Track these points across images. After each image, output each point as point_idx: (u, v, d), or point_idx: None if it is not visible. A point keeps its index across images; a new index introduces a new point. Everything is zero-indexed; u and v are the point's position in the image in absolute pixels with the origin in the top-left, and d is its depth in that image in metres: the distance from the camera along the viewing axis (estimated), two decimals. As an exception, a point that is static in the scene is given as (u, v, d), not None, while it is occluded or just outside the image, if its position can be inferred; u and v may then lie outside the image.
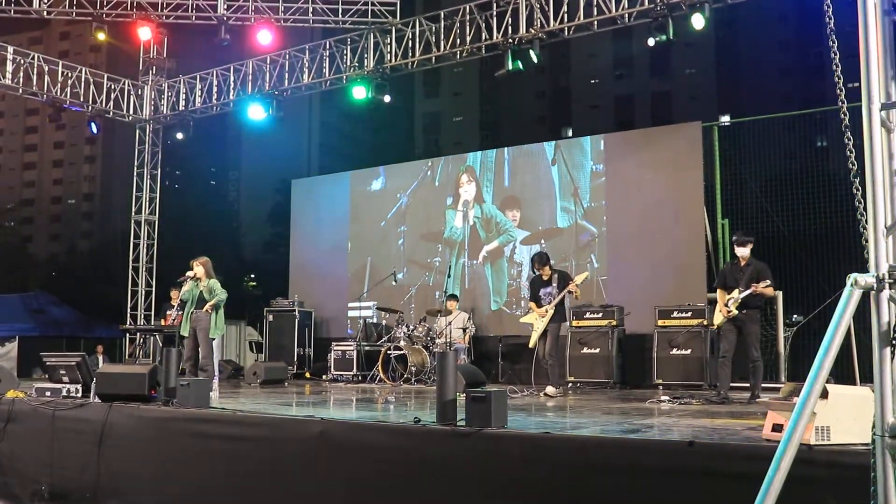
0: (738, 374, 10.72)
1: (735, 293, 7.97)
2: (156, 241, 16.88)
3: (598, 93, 50.91)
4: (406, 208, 14.22)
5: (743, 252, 8.14)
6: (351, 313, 14.18)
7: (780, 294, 10.04)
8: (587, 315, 11.10)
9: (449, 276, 12.39)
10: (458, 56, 12.97)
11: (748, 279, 7.92)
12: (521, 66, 11.86)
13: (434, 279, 13.29)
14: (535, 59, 11.78)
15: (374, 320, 13.54)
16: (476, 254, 13.21)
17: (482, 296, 12.91)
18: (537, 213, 12.81)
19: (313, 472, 5.50)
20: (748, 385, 8.47)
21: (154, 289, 16.69)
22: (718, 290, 8.21)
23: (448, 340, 11.31)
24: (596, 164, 12.43)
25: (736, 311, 7.95)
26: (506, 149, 13.80)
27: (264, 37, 14.08)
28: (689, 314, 10.51)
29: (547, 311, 9.14)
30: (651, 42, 10.85)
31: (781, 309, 10.30)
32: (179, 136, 16.54)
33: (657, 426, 5.79)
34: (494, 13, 12.24)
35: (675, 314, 10.60)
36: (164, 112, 16.66)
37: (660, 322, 10.65)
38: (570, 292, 9.16)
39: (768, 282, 7.84)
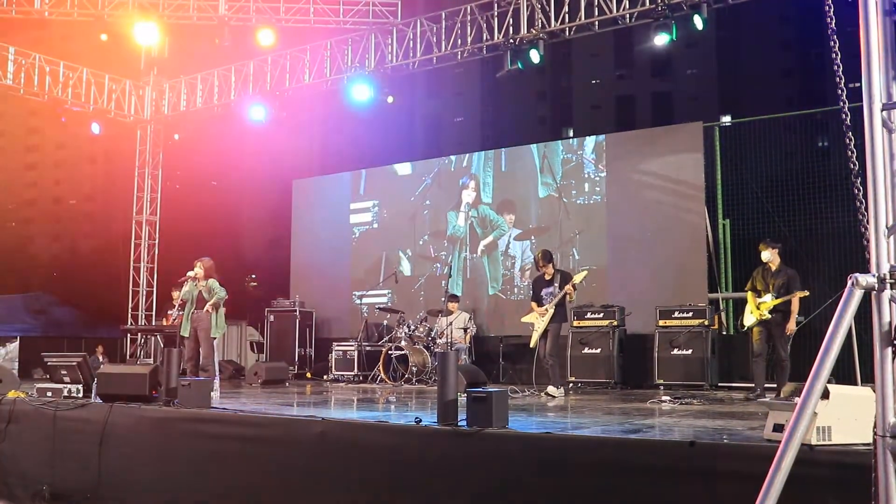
0: (739, 374, 10.76)
1: (767, 297, 8.31)
2: (157, 242, 16.89)
3: (599, 93, 50.86)
4: (415, 209, 14.45)
5: (765, 256, 8.48)
6: (367, 300, 14.25)
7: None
8: (588, 315, 11.11)
9: (450, 276, 12.44)
10: (459, 56, 12.97)
11: (779, 287, 8.27)
12: (521, 66, 11.86)
13: (440, 270, 13.73)
14: (536, 60, 11.77)
15: (390, 304, 13.92)
16: (475, 248, 13.68)
17: (481, 283, 13.47)
18: (528, 215, 13.30)
19: (314, 472, 5.51)
20: (750, 385, 8.64)
21: (155, 289, 16.70)
22: (749, 293, 8.54)
23: (449, 340, 11.31)
24: (567, 153, 13.08)
25: (768, 315, 8.29)
26: (503, 151, 14.08)
27: (265, 37, 14.07)
28: (690, 314, 10.51)
29: (547, 311, 9.14)
30: (659, 41, 10.82)
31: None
32: (176, 136, 16.55)
33: (658, 426, 5.79)
34: (495, 13, 12.24)
35: (676, 314, 10.60)
36: (166, 112, 16.67)
37: (661, 322, 10.65)
38: (566, 293, 9.15)
39: (799, 294, 8.23)
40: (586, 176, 12.83)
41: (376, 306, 13.88)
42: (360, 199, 15.14)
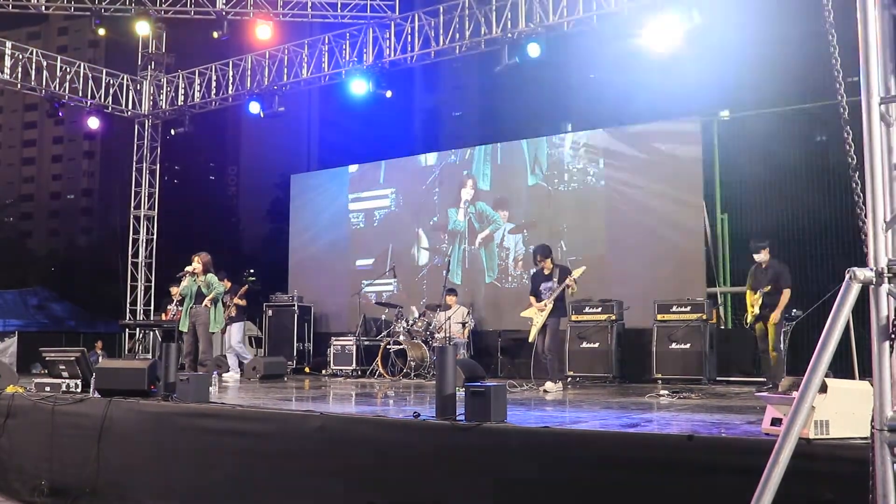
0: (737, 368, 10.77)
1: (758, 294, 8.60)
2: (155, 237, 16.89)
3: (597, 87, 50.81)
4: (423, 200, 14.66)
5: (760, 258, 8.72)
6: (374, 288, 14.60)
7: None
8: (586, 309, 11.10)
9: (448, 270, 12.46)
10: (457, 51, 12.96)
11: (770, 281, 8.51)
12: (518, 60, 11.86)
13: (442, 260, 13.99)
14: (535, 54, 11.76)
15: (395, 292, 14.36)
16: (473, 240, 13.97)
17: (479, 273, 13.78)
18: (521, 209, 13.57)
19: (313, 467, 5.51)
20: (756, 380, 9.09)
21: (153, 284, 16.70)
22: (747, 291, 8.83)
23: (447, 335, 11.32)
24: (551, 149, 13.42)
25: (758, 311, 8.55)
26: (499, 146, 14.18)
27: (263, 32, 14.05)
28: (689, 308, 10.51)
29: (546, 306, 9.14)
30: (666, 33, 10.82)
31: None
32: (173, 131, 16.55)
33: (656, 420, 5.79)
34: (493, 8, 12.23)
35: (674, 308, 10.59)
36: (163, 107, 16.65)
37: (659, 316, 10.64)
38: (567, 286, 9.15)
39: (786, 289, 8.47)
40: (574, 170, 13.01)
41: (380, 296, 14.23)
42: (379, 186, 15.22)
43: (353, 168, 15.88)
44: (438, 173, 14.46)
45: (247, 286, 12.99)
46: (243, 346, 12.43)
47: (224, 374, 11.87)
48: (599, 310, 11.02)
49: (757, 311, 8.52)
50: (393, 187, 14.99)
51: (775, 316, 8.36)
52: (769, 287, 8.48)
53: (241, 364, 12.04)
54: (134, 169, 16.93)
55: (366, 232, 15.17)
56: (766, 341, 8.53)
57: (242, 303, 12.51)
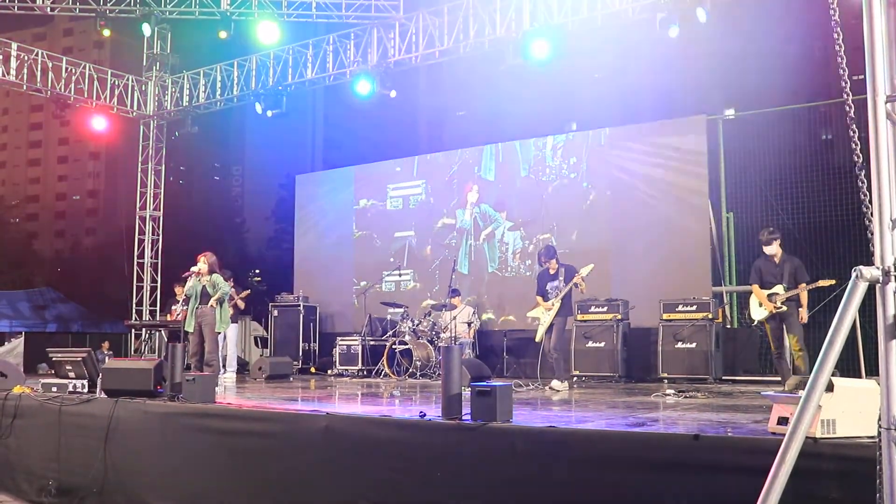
0: (743, 367, 10.76)
1: (779, 289, 8.21)
2: (160, 237, 16.91)
3: (602, 86, 50.74)
4: (432, 204, 14.84)
5: (772, 250, 8.36)
6: (391, 279, 14.94)
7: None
8: (592, 309, 11.10)
9: (455, 270, 12.49)
10: (461, 51, 12.96)
11: (789, 276, 8.20)
12: (522, 59, 11.86)
13: (450, 253, 14.26)
14: (539, 54, 11.75)
15: (412, 284, 14.65)
16: (478, 237, 14.28)
17: (483, 264, 14.11)
18: (520, 211, 13.79)
19: (319, 467, 5.52)
20: (763, 379, 8.75)
21: (159, 284, 16.72)
22: (754, 287, 8.43)
23: (453, 335, 11.32)
24: (544, 149, 13.64)
25: (785, 308, 8.18)
26: (500, 145, 14.29)
27: (268, 32, 14.04)
28: (694, 307, 10.51)
29: (553, 305, 9.15)
30: (663, 34, 10.80)
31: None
32: (177, 133, 16.57)
33: (662, 420, 5.79)
34: (498, 7, 12.22)
35: (679, 307, 10.59)
36: (168, 108, 16.67)
37: (665, 315, 10.65)
38: (575, 285, 9.16)
39: (805, 284, 8.19)
40: (577, 170, 13.08)
41: (398, 286, 14.56)
42: (413, 178, 15.32)
43: (394, 162, 15.86)
44: (457, 169, 14.63)
45: (248, 291, 13.01)
46: (227, 348, 12.33)
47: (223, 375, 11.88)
48: (605, 309, 11.02)
49: (781, 306, 8.17)
50: (423, 179, 15.15)
51: (805, 315, 8.15)
52: (793, 286, 8.17)
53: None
54: (139, 169, 16.95)
55: (403, 213, 15.29)
56: (781, 338, 8.28)
57: (241, 305, 12.51)
